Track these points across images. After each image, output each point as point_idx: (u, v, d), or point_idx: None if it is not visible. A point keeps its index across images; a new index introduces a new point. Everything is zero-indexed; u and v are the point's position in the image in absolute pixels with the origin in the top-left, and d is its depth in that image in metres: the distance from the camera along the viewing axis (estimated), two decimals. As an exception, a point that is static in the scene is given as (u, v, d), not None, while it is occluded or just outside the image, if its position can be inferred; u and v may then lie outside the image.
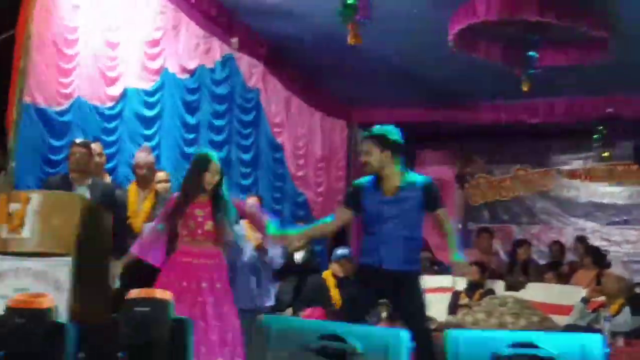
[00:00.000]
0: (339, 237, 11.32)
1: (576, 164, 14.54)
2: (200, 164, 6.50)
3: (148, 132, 8.86)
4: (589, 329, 7.64)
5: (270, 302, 8.77)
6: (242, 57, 10.30)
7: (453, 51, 9.33)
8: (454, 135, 14.42)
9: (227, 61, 10.06)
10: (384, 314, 8.04)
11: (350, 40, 7.92)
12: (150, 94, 8.91)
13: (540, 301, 9.25)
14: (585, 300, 8.37)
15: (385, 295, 6.24)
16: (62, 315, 5.71)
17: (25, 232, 6.30)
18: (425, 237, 14.23)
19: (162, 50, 8.98)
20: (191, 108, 9.53)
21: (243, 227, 8.41)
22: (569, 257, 12.78)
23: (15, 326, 4.51)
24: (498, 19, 8.63)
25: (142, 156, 7.69)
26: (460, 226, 14.52)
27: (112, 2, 8.37)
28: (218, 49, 9.85)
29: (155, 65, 8.93)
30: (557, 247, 12.55)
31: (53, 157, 7.84)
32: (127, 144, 8.63)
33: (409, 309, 5.97)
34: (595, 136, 12.61)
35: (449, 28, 9.01)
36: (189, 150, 9.44)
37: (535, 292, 9.79)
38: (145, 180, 7.63)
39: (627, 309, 7.91)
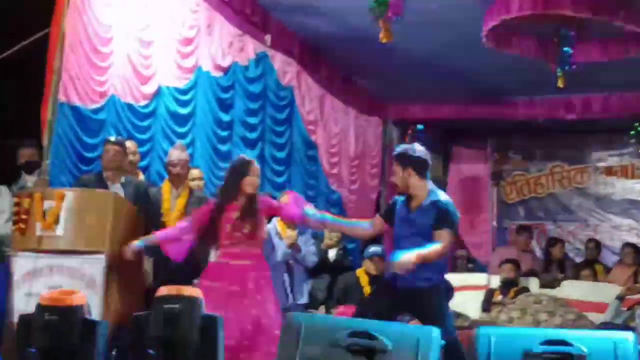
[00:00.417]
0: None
1: (612, 160, 14.42)
2: (242, 168, 6.52)
3: (181, 130, 8.89)
4: (624, 326, 7.59)
5: (303, 300, 8.78)
6: (275, 55, 10.31)
7: (488, 47, 9.28)
8: (489, 131, 14.36)
9: (260, 59, 10.08)
10: (416, 312, 7.99)
11: (381, 37, 7.90)
12: (184, 92, 8.94)
13: (576, 299, 9.20)
14: (620, 298, 8.31)
15: (399, 310, 6.21)
16: (95, 313, 5.76)
17: (59, 230, 6.37)
18: (462, 236, 14.36)
19: (196, 49, 9.00)
20: (225, 106, 9.55)
21: (276, 226, 8.43)
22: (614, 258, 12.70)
23: (47, 323, 4.55)
24: (532, 14, 8.57)
25: (176, 154, 7.70)
26: (495, 224, 14.45)
27: (145, 0, 8.41)
28: (252, 47, 9.86)
29: (189, 63, 8.96)
30: (593, 245, 12.45)
31: (87, 155, 7.89)
32: (160, 142, 8.67)
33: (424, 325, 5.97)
34: (631, 132, 12.49)
35: (483, 24, 8.96)
36: (223, 148, 9.47)
37: (571, 289, 9.74)
38: (178, 178, 7.64)
39: (662, 307, 7.86)
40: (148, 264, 7.32)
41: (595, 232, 14.04)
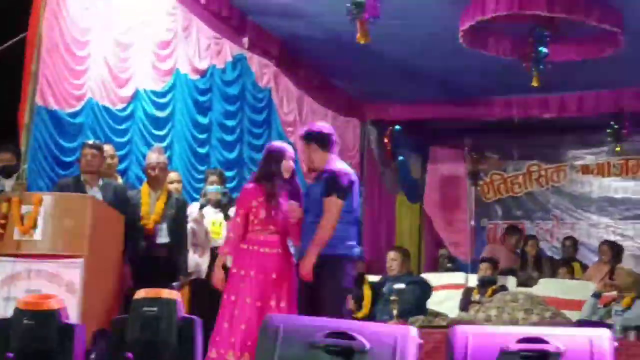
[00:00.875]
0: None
1: (589, 159, 14.49)
2: (279, 153, 6.48)
3: (159, 133, 8.90)
4: (601, 323, 7.64)
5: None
6: (253, 57, 10.31)
7: (465, 47, 9.33)
8: (466, 131, 14.40)
9: (238, 61, 10.09)
10: (395, 312, 8.05)
11: (358, 38, 7.93)
12: (162, 94, 8.95)
13: (553, 296, 9.26)
14: (597, 295, 8.37)
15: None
16: (74, 316, 5.76)
17: (38, 234, 6.38)
18: (439, 234, 14.43)
19: (173, 52, 9.01)
20: (202, 108, 9.57)
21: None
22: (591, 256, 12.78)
23: (25, 327, 4.56)
24: (508, 14, 8.62)
25: (155, 156, 7.71)
26: (473, 223, 14.51)
27: (122, 3, 8.41)
28: (229, 49, 9.87)
29: (167, 66, 8.97)
30: (570, 243, 12.54)
31: (65, 159, 7.89)
32: (138, 145, 8.68)
33: (320, 294, 6.06)
34: (607, 130, 12.57)
35: (459, 24, 9.01)
36: (201, 150, 9.49)
37: (547, 287, 9.82)
38: (157, 181, 7.65)
39: (638, 303, 7.91)
40: (127, 268, 7.34)
41: (573, 230, 14.10)
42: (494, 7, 8.59)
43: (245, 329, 5.86)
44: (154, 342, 4.56)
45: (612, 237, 13.08)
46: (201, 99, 9.53)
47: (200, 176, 9.28)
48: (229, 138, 10.00)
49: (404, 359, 4.05)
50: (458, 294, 10.06)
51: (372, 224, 13.47)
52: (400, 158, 13.74)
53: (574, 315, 8.51)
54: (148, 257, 7.48)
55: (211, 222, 8.55)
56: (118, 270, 7.03)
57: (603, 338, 4.11)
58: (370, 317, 8.78)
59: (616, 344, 4.14)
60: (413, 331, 4.21)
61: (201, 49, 9.46)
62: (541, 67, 9.27)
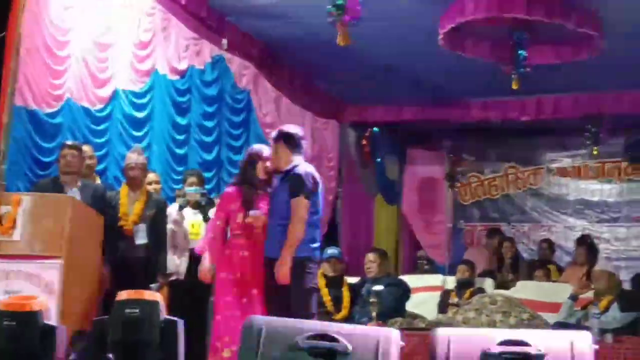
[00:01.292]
0: (329, 236, 11.38)
1: (566, 161, 14.54)
2: (255, 156, 6.74)
3: (138, 134, 8.88)
4: (578, 326, 7.68)
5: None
6: (232, 58, 10.29)
7: (443, 50, 9.36)
8: (444, 134, 14.43)
9: (217, 62, 10.07)
10: (374, 314, 8.06)
11: (339, 41, 7.92)
12: (141, 95, 8.94)
13: (530, 299, 9.29)
14: (574, 298, 8.41)
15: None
16: (53, 318, 5.74)
17: (17, 235, 6.36)
18: (417, 236, 14.46)
19: (152, 52, 9.00)
20: (181, 109, 9.55)
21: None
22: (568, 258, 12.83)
23: (6, 329, 4.53)
24: (487, 18, 8.65)
25: (134, 157, 7.71)
26: (450, 225, 14.55)
27: (102, 3, 8.38)
28: (208, 50, 9.86)
29: (145, 66, 8.95)
30: (546, 245, 12.59)
31: (44, 159, 7.87)
32: (117, 145, 8.66)
33: (286, 295, 6.25)
34: (585, 133, 12.63)
35: (439, 27, 9.03)
36: (180, 151, 9.47)
37: (525, 290, 9.85)
38: (136, 182, 7.65)
39: (615, 306, 7.96)
40: (105, 269, 7.32)
41: (550, 232, 14.16)
42: (473, 10, 8.60)
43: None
44: (136, 344, 4.55)
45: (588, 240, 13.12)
46: (180, 99, 9.51)
47: (179, 177, 9.26)
48: (207, 139, 9.99)
49: (387, 361, 4.07)
50: (436, 296, 10.10)
51: (350, 226, 13.47)
52: (378, 160, 13.75)
53: (551, 318, 8.55)
54: (126, 258, 7.51)
55: (190, 223, 8.55)
56: (97, 271, 7.02)
57: (584, 341, 4.15)
58: (349, 318, 8.78)
59: (596, 346, 4.17)
60: (395, 333, 4.23)
61: (180, 50, 9.44)
62: (520, 70, 9.30)
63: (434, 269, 13.34)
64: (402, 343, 4.20)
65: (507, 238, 12.68)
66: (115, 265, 7.40)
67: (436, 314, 9.51)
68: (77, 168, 7.39)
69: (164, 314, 4.76)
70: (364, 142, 13.57)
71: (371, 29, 8.76)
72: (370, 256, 9.54)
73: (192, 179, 8.69)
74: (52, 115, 7.94)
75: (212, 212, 8.47)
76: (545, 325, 8.23)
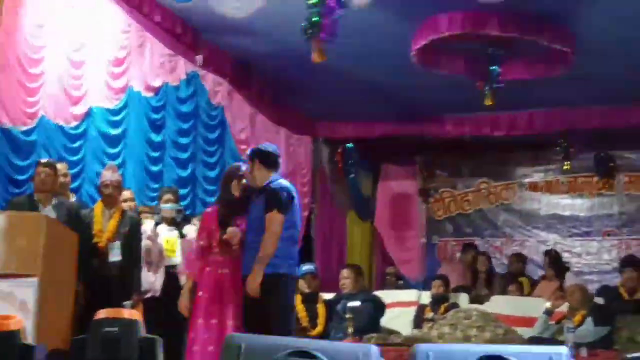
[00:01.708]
0: (304, 252, 11.37)
1: (537, 176, 14.64)
2: (228, 174, 6.88)
3: (113, 151, 8.86)
4: (553, 340, 7.74)
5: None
6: (206, 75, 10.30)
7: (416, 66, 9.40)
8: (417, 149, 14.48)
9: (191, 79, 10.08)
10: (350, 330, 8.07)
11: (314, 58, 7.93)
12: (115, 112, 8.92)
13: (504, 313, 9.33)
14: (548, 312, 8.46)
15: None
16: (29, 337, 5.70)
17: (-10, 253, 6.30)
18: (390, 252, 14.48)
19: (127, 69, 8.99)
20: (156, 126, 9.54)
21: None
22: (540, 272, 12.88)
23: (-16, 349, 4.51)
24: (460, 34, 8.71)
25: (108, 175, 7.70)
26: (424, 240, 14.58)
27: (76, 21, 8.37)
28: (183, 67, 9.86)
29: (120, 83, 8.94)
30: (515, 259, 12.62)
31: (18, 177, 7.83)
32: (91, 163, 8.63)
33: (266, 311, 6.24)
34: (556, 148, 12.71)
35: (412, 43, 9.08)
36: (154, 168, 9.45)
37: (499, 304, 9.89)
38: (111, 199, 7.65)
39: (589, 320, 8.04)
40: (80, 287, 7.29)
41: (522, 247, 14.22)
42: (447, 27, 8.66)
43: (213, 350, 6.04)
44: (115, 362, 4.55)
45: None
46: (154, 116, 9.50)
47: (154, 194, 9.24)
48: (182, 156, 9.98)
49: (366, 378, 4.07)
50: (411, 312, 10.11)
51: (323, 242, 13.49)
52: (352, 176, 13.77)
53: (525, 332, 8.59)
54: (100, 275, 7.47)
55: (165, 239, 8.54)
56: (72, 290, 6.98)
57: (561, 355, 4.17)
58: (324, 334, 8.80)
59: (574, 360, 4.21)
60: (374, 349, 4.23)
61: (155, 67, 9.44)
62: (494, 86, 9.36)
63: (406, 284, 13.36)
64: (381, 359, 4.21)
65: (481, 253, 12.73)
66: (90, 283, 7.37)
67: (411, 329, 9.53)
68: (52, 186, 7.36)
69: (143, 332, 4.74)
70: (338, 158, 13.59)
71: (345, 45, 8.79)
72: (345, 272, 9.56)
73: (168, 196, 8.68)
74: (27, 133, 7.92)
75: (187, 229, 8.52)
76: (520, 339, 8.27)
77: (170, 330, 7.83)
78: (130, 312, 4.87)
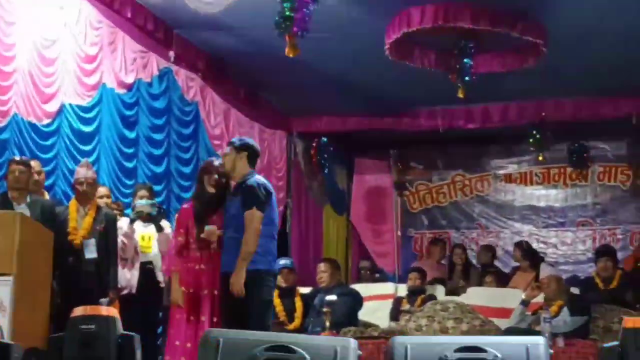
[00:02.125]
0: (280, 247, 11.36)
1: (512, 168, 14.72)
2: (201, 171, 6.97)
3: (86, 148, 8.78)
4: (530, 331, 7.77)
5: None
6: (180, 71, 10.25)
7: (389, 59, 9.41)
8: (391, 142, 14.50)
9: (164, 75, 10.01)
10: (327, 323, 8.07)
11: (287, 52, 7.94)
12: (88, 109, 8.84)
13: (481, 305, 9.36)
14: (525, 303, 8.49)
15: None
16: (5, 336, 5.67)
17: (-35, 252, 6.26)
18: (366, 245, 14.51)
19: (99, 65, 8.91)
20: (129, 122, 9.47)
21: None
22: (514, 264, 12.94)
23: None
24: (433, 27, 8.73)
25: (83, 171, 7.66)
26: (400, 233, 14.61)
27: (47, 18, 8.29)
28: (155, 63, 9.80)
29: (92, 80, 8.86)
30: (484, 250, 12.67)
31: (-10, 176, 7.75)
32: (64, 160, 8.56)
33: (245, 307, 6.30)
34: (530, 140, 12.79)
35: (385, 37, 9.09)
36: (129, 165, 9.39)
37: (476, 296, 9.93)
38: (86, 196, 7.60)
39: (565, 310, 8.08)
40: (55, 284, 7.25)
41: (498, 238, 14.32)
42: (419, 20, 8.69)
43: (191, 347, 6.07)
44: (93, 360, 4.52)
45: (535, 245, 13.26)
46: (128, 113, 9.43)
47: (128, 191, 9.20)
48: (156, 152, 9.92)
49: (345, 371, 4.08)
50: (388, 304, 10.14)
51: (299, 236, 13.49)
52: (327, 170, 13.77)
53: (502, 323, 8.63)
54: (76, 273, 7.43)
55: (140, 236, 8.52)
56: (48, 288, 6.93)
57: (539, 345, 4.18)
58: (302, 329, 8.81)
59: (552, 351, 4.22)
60: (353, 342, 4.24)
61: (127, 63, 9.36)
62: (466, 78, 9.40)
63: (382, 277, 13.39)
64: (360, 352, 4.22)
65: (458, 245, 12.77)
66: (65, 281, 7.33)
67: (388, 322, 9.55)
68: (26, 184, 7.30)
69: (120, 330, 4.72)
70: (312, 152, 13.59)
71: (318, 39, 8.79)
72: (322, 266, 9.56)
73: (143, 192, 8.67)
74: (-1, 131, 7.85)
75: (164, 223, 8.51)
76: (497, 330, 8.31)
77: (146, 327, 7.83)
78: (108, 310, 4.84)
